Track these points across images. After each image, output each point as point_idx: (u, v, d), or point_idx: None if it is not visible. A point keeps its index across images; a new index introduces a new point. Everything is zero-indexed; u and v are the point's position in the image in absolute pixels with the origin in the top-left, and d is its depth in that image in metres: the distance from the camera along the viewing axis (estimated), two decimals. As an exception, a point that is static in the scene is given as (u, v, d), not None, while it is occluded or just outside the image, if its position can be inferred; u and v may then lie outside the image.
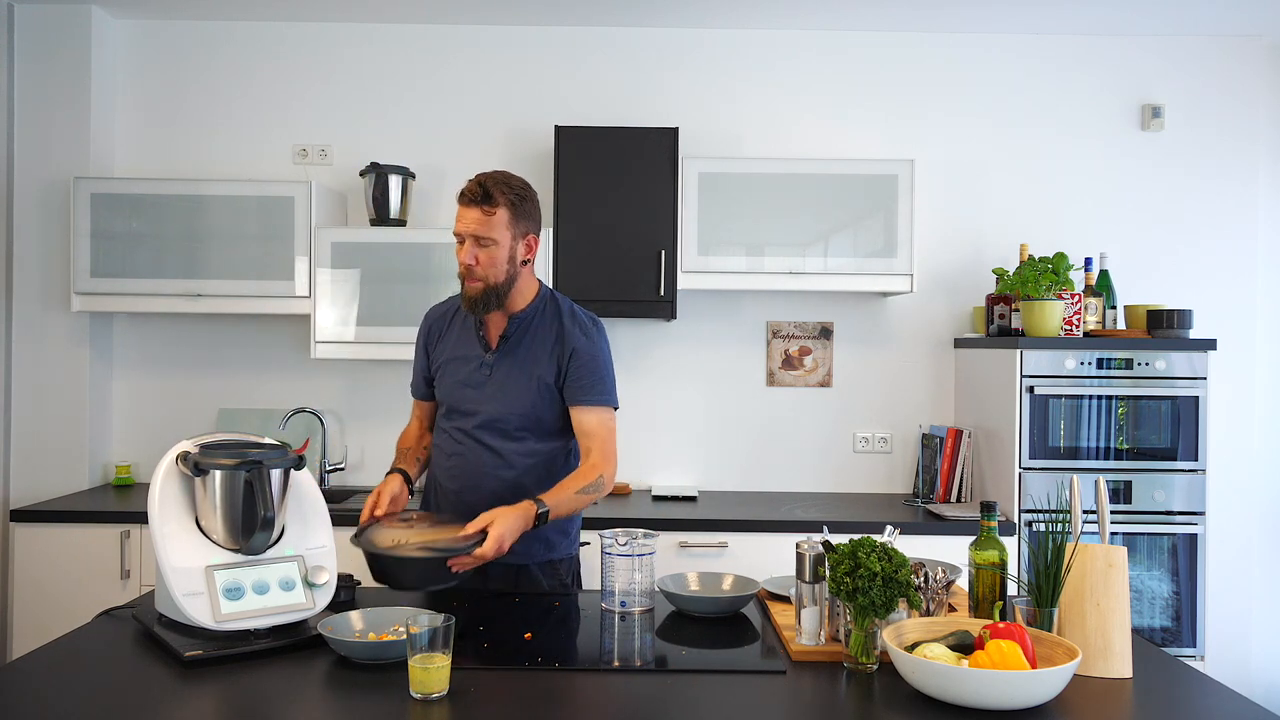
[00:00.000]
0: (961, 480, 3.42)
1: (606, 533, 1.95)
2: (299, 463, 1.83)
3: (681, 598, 1.93)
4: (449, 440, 2.20)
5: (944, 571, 1.87)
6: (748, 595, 1.95)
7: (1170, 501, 3.17)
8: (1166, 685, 1.59)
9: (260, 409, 3.65)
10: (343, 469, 3.64)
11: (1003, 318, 3.40)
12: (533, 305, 2.18)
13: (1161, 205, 3.69)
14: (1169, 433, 3.17)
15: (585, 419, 2.12)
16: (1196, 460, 3.17)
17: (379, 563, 1.90)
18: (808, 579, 1.70)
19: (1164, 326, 3.20)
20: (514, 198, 2.07)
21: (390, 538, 1.91)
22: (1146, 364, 3.17)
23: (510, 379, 2.13)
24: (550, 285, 3.32)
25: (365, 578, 2.29)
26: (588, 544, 2.35)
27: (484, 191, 2.04)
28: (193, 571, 1.67)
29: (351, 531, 2.23)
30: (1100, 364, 3.17)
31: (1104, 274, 3.43)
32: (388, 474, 2.20)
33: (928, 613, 1.78)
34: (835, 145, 3.69)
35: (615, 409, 2.18)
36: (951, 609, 1.89)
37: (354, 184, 3.67)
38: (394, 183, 3.47)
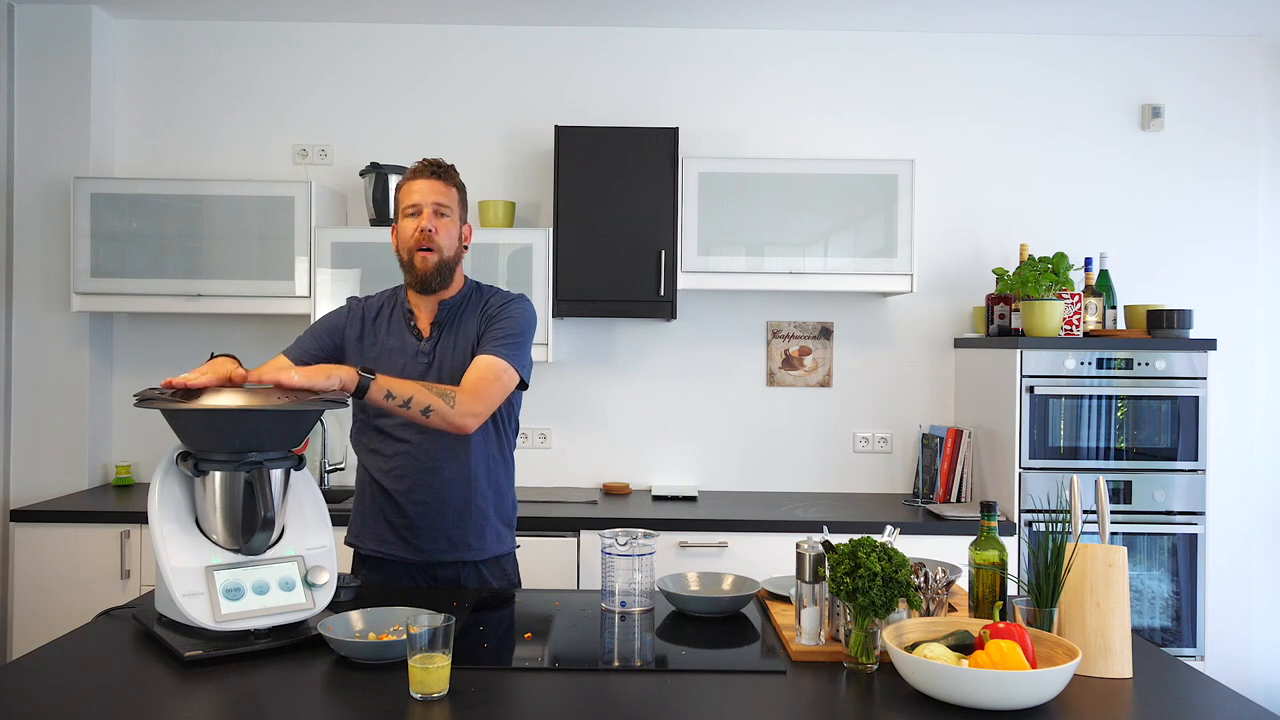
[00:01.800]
0: (961, 480, 3.42)
1: (606, 533, 1.95)
2: (299, 463, 1.82)
3: (681, 598, 1.93)
4: (387, 441, 2.14)
5: (944, 571, 1.87)
6: (748, 595, 1.95)
7: (1170, 501, 3.17)
8: (1166, 685, 1.59)
9: (260, 409, 3.65)
10: (342, 469, 3.64)
11: (1003, 318, 3.40)
12: (460, 293, 2.18)
13: (1161, 205, 3.69)
14: (1169, 433, 3.17)
15: (477, 361, 2.03)
16: (1196, 460, 3.17)
17: (228, 420, 1.66)
18: (808, 579, 1.70)
19: (1164, 326, 3.20)
20: (462, 184, 2.16)
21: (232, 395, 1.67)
22: (1146, 364, 3.17)
23: (449, 361, 2.12)
24: (550, 285, 3.32)
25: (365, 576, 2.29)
26: (519, 546, 2.32)
27: (445, 169, 2.12)
28: (193, 571, 1.67)
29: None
30: (1100, 364, 3.17)
31: (1104, 274, 3.43)
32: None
33: (928, 613, 1.78)
34: (835, 145, 3.69)
35: (517, 375, 2.06)
36: (951, 609, 1.88)
37: (354, 184, 3.68)
38: (394, 183, 3.47)
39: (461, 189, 2.16)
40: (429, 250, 2.07)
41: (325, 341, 2.18)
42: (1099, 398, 3.17)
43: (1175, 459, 3.17)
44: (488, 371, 2.01)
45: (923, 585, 1.78)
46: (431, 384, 1.96)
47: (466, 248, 2.18)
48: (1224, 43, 3.68)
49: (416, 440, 2.11)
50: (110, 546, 3.09)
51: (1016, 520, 3.15)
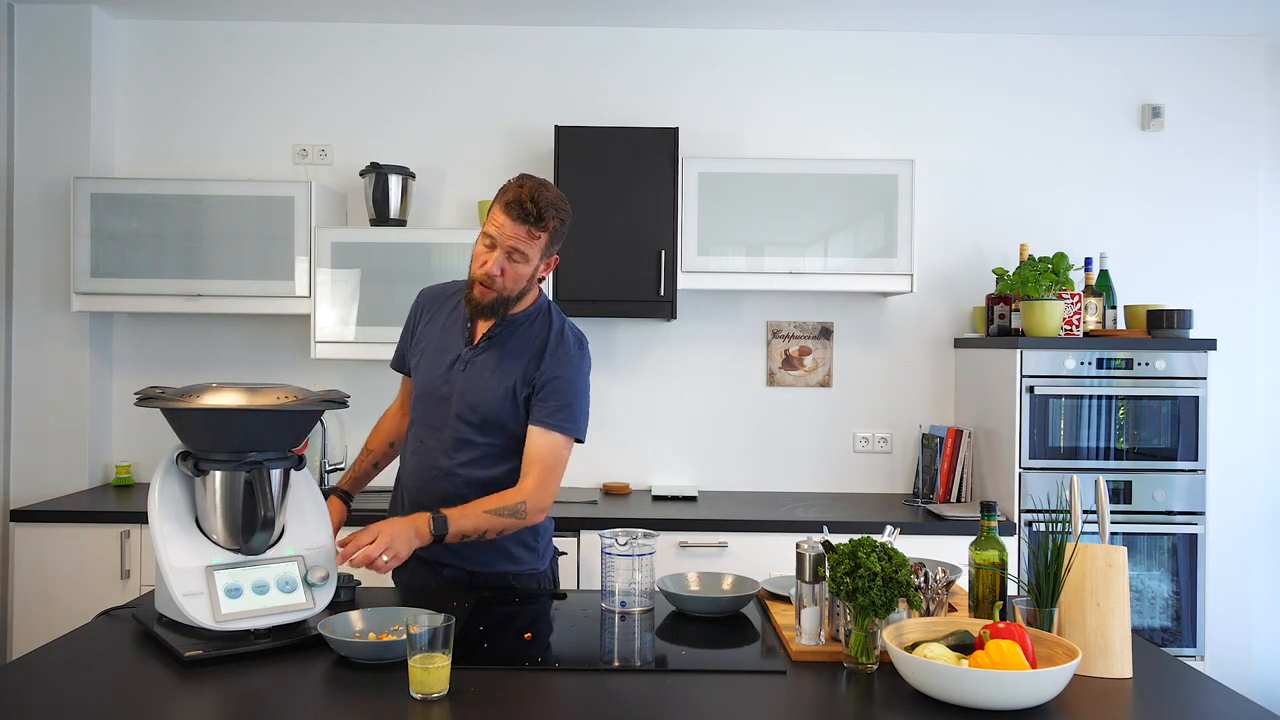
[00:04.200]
0: (961, 480, 3.42)
1: (606, 533, 1.95)
2: (299, 463, 1.82)
3: (681, 598, 1.93)
4: (414, 436, 2.15)
5: (944, 571, 1.87)
6: (748, 595, 1.95)
7: (1170, 501, 3.17)
8: (1166, 685, 1.59)
9: (260, 409, 3.65)
10: (343, 469, 3.64)
11: (1003, 318, 3.40)
12: (525, 312, 2.09)
13: (1161, 205, 3.69)
14: (1169, 433, 3.17)
15: (536, 440, 2.01)
16: (1196, 460, 3.17)
17: None
18: (808, 579, 1.70)
19: (1164, 326, 3.20)
20: (558, 222, 1.98)
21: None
22: (1146, 364, 3.17)
23: (481, 377, 2.04)
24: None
25: (366, 577, 2.29)
26: (565, 554, 2.27)
27: (538, 212, 1.93)
28: (193, 571, 1.67)
29: (352, 532, 2.25)
30: (1100, 364, 3.17)
31: (1104, 274, 3.43)
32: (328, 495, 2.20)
33: (928, 613, 1.78)
34: (835, 145, 3.69)
35: (576, 440, 2.06)
36: (951, 609, 1.88)
37: (354, 184, 3.68)
38: (394, 183, 3.47)
39: (555, 230, 1.98)
40: (488, 288, 1.99)
41: (408, 338, 2.23)
42: (1099, 398, 3.17)
43: (1175, 459, 3.17)
44: (549, 455, 2.01)
45: (923, 585, 1.78)
46: (495, 503, 1.95)
47: (543, 279, 2.08)
48: (1224, 43, 3.68)
49: (432, 447, 2.09)
50: (110, 546, 3.09)
51: (1016, 520, 3.15)
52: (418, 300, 2.26)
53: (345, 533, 2.02)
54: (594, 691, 1.53)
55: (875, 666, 1.60)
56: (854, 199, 3.35)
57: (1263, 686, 3.64)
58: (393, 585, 2.18)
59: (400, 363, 2.26)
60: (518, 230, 1.94)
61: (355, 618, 1.70)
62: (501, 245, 1.95)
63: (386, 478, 3.63)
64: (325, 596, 1.77)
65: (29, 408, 3.49)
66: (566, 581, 3.01)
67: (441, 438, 2.08)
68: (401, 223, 3.51)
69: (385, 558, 1.80)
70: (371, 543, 1.80)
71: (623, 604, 1.93)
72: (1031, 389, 3.17)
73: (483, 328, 2.10)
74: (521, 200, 1.93)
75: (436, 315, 2.18)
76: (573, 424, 2.03)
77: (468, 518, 1.92)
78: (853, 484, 3.71)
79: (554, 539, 2.27)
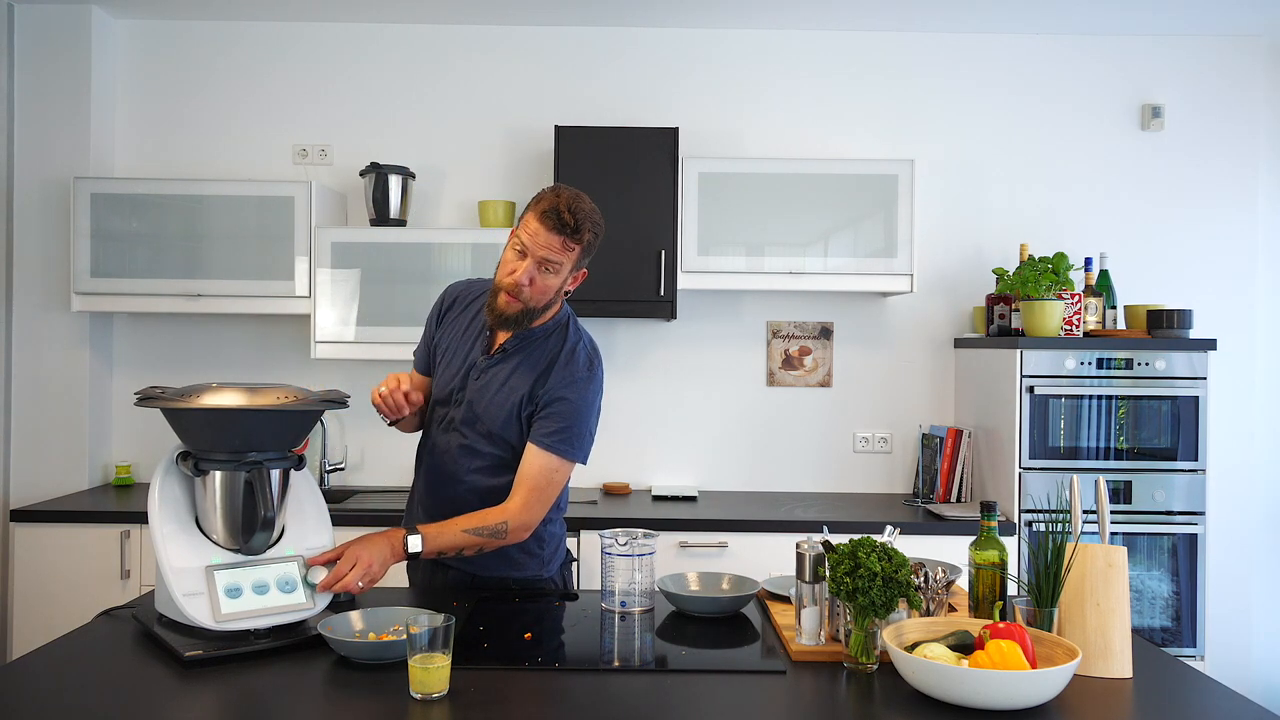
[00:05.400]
0: (961, 480, 3.42)
1: (606, 533, 1.95)
2: (299, 463, 1.82)
3: (681, 598, 1.93)
4: (426, 437, 2.14)
5: (944, 571, 1.87)
6: (748, 595, 1.95)
7: (1170, 501, 3.17)
8: (1166, 685, 1.59)
9: (260, 409, 3.64)
10: (343, 469, 3.64)
11: (1003, 318, 3.40)
12: (544, 326, 2.05)
13: (1161, 205, 3.69)
14: (1169, 433, 3.17)
15: (530, 460, 1.98)
16: (1196, 460, 3.17)
17: None
18: (808, 579, 1.70)
19: (1164, 326, 3.20)
20: (592, 235, 1.95)
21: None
22: (1146, 364, 3.17)
23: (491, 390, 2.02)
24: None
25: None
26: (577, 560, 2.26)
27: (575, 223, 1.89)
28: (193, 571, 1.67)
29: (352, 533, 2.24)
30: (1100, 364, 3.17)
31: (1104, 274, 3.43)
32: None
33: (928, 613, 1.78)
34: (835, 145, 3.69)
35: (576, 463, 2.02)
36: (951, 609, 1.88)
37: (354, 184, 3.68)
38: (394, 183, 3.47)
39: (589, 244, 1.95)
40: (515, 298, 1.94)
41: (430, 334, 2.18)
42: (1099, 398, 3.17)
43: (1175, 459, 3.17)
44: (539, 476, 1.97)
45: (923, 585, 1.78)
46: (475, 521, 1.92)
47: (569, 292, 2.04)
48: (1224, 42, 3.68)
49: (439, 449, 2.08)
50: (110, 546, 3.09)
51: (1016, 520, 3.15)
52: (443, 295, 2.21)
53: (339, 533, 2.01)
54: (594, 691, 1.53)
55: (875, 666, 1.60)
56: (854, 199, 3.35)
57: (1263, 686, 3.64)
58: (393, 584, 2.18)
59: (424, 364, 2.20)
60: (552, 240, 1.89)
61: (355, 618, 1.70)
62: (533, 255, 1.90)
63: (400, 479, 3.65)
64: (325, 596, 1.77)
65: (29, 408, 3.49)
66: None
67: (450, 444, 2.07)
68: (401, 223, 3.51)
69: (361, 583, 1.78)
70: (352, 568, 1.77)
71: (623, 604, 1.93)
72: (1031, 389, 3.17)
73: (501, 337, 2.06)
74: (559, 210, 1.88)
75: (461, 316, 2.14)
76: (570, 447, 1.99)
77: (444, 536, 1.90)
78: (853, 484, 3.71)
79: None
